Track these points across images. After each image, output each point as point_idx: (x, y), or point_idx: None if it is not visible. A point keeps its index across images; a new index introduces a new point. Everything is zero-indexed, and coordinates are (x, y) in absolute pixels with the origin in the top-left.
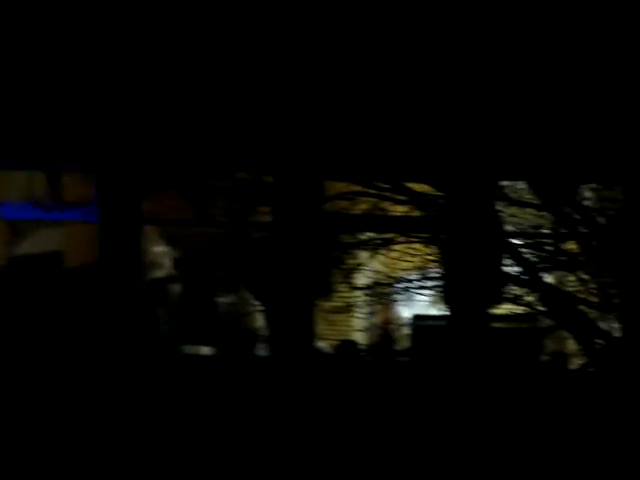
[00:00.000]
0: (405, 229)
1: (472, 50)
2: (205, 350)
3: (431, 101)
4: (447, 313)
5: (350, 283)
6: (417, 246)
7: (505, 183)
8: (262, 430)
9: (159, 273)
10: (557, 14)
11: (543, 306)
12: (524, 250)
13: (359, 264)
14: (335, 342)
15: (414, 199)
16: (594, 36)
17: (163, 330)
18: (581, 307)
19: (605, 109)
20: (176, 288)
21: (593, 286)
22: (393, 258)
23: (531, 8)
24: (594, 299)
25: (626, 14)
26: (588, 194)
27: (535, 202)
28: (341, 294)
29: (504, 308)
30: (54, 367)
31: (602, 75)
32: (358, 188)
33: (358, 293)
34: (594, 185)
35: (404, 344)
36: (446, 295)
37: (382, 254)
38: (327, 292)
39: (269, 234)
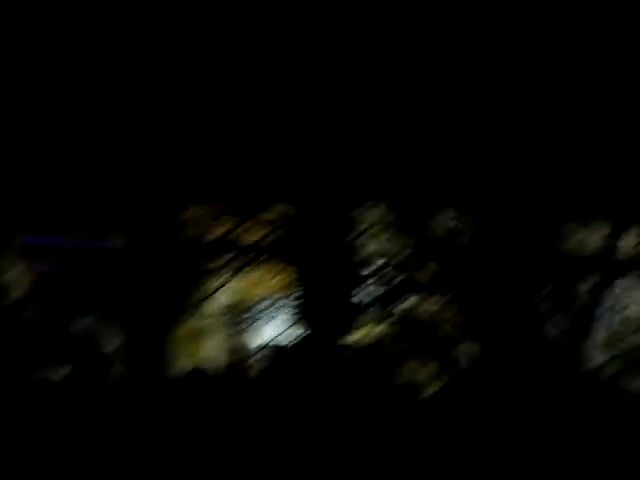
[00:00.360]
0: (263, 252)
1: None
2: (58, 374)
3: (287, 123)
4: (303, 337)
5: (206, 307)
6: (274, 270)
7: (362, 206)
8: (114, 453)
9: (14, 294)
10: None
11: (399, 331)
12: (381, 274)
13: (216, 288)
14: (190, 366)
15: (272, 222)
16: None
17: (16, 354)
18: (439, 329)
19: (459, 135)
20: (31, 310)
21: (450, 311)
22: (250, 282)
23: None
24: (451, 324)
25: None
26: (445, 219)
27: (392, 225)
28: (197, 318)
29: (360, 333)
30: None
31: (456, 104)
32: (216, 211)
33: (214, 317)
34: (451, 210)
35: (258, 369)
36: (303, 319)
37: (239, 277)
38: (183, 316)
39: (125, 257)
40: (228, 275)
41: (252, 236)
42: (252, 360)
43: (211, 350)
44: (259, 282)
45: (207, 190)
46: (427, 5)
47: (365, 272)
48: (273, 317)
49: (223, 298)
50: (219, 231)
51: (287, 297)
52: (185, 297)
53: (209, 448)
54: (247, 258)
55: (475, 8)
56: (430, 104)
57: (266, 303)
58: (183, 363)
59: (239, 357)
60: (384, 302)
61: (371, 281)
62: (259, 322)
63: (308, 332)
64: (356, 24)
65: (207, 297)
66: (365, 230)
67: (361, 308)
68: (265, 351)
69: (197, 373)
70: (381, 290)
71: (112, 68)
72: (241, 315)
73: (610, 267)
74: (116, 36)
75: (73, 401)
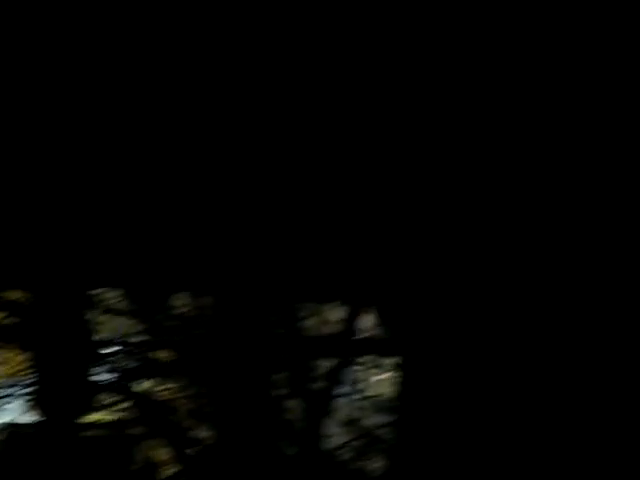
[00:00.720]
0: None
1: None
2: None
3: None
4: (40, 420)
5: None
6: (10, 354)
7: (97, 290)
8: None
9: None
10: None
11: (135, 414)
12: (117, 358)
13: None
14: None
15: (7, 306)
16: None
17: None
18: (174, 415)
19: (197, 220)
20: None
21: (186, 394)
22: None
23: None
24: (188, 407)
25: None
26: (182, 302)
27: (128, 309)
28: None
29: (96, 416)
30: None
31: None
32: None
33: None
34: (186, 294)
35: None
36: (40, 401)
37: None
38: None
39: None
40: None
41: None
42: None
43: None
44: None
45: None
46: None
47: (102, 356)
48: (9, 400)
49: None
50: None
51: (24, 380)
52: None
53: None
54: None
55: None
56: (162, 194)
57: (2, 386)
58: None
59: None
60: (121, 385)
61: (108, 365)
62: None
63: (45, 414)
64: None
65: None
66: (101, 314)
67: (98, 390)
68: (1, 434)
69: None
70: (118, 373)
71: None
72: None
73: (349, 347)
74: None
75: None
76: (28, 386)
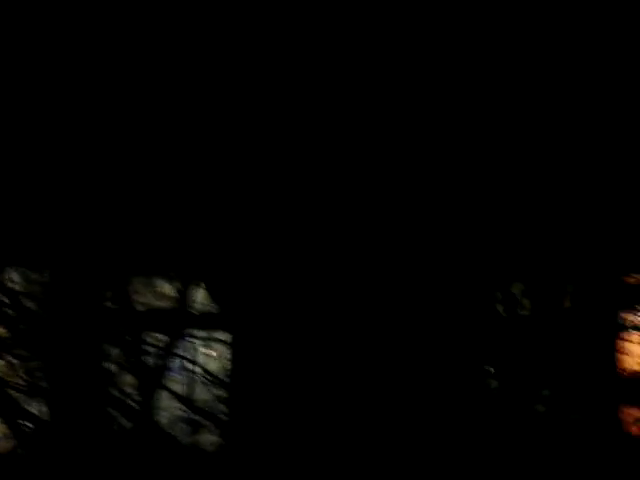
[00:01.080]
0: None
1: None
2: None
3: None
4: None
5: None
6: None
7: None
8: None
9: None
10: None
11: None
12: None
13: None
14: None
15: None
16: None
17: None
18: (8, 390)
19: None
20: None
21: (21, 370)
22: None
23: None
24: (22, 382)
25: None
26: (15, 276)
27: None
28: None
29: None
30: None
31: None
32: None
33: None
34: (19, 268)
35: None
36: None
37: None
38: None
39: None
40: None
41: None
42: None
43: None
44: None
45: None
46: None
47: None
48: None
49: None
50: None
51: None
52: None
53: None
54: None
55: None
56: None
57: None
58: None
59: None
60: None
61: None
62: None
63: None
64: None
65: None
66: None
67: None
68: None
69: None
70: None
71: None
72: None
73: (182, 322)
74: None
75: None
76: None
